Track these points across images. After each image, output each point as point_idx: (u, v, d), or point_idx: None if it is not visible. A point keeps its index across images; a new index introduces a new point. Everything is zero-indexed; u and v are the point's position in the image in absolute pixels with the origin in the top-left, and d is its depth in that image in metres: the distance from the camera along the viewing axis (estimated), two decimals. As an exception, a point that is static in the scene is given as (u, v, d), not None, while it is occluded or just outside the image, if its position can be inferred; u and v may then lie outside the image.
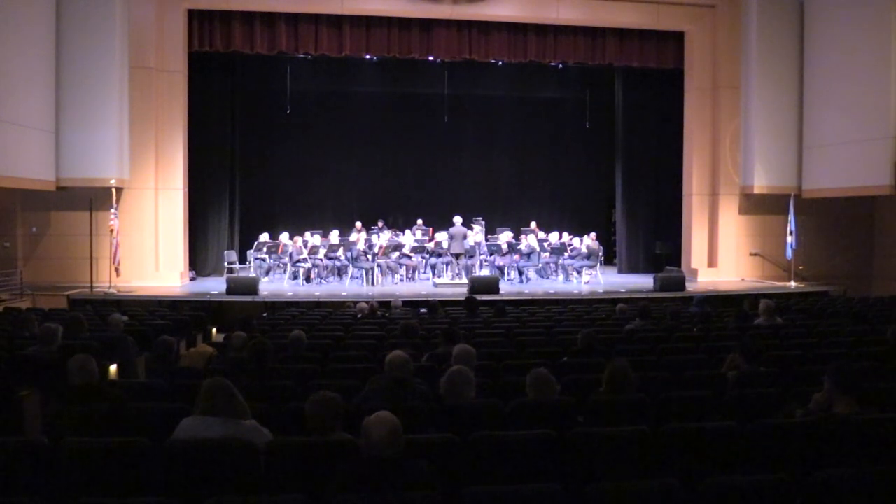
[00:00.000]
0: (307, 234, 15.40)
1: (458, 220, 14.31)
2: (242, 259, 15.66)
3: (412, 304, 10.89)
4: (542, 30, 15.24)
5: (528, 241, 14.97)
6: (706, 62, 15.55)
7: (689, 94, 15.84)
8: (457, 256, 14.21)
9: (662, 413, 4.18)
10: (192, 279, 14.65)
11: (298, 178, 18.04)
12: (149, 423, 3.88)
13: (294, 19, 14.44)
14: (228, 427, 3.44)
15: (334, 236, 14.89)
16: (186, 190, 14.36)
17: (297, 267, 14.54)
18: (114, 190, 13.03)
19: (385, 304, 10.41)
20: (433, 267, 15.05)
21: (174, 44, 13.97)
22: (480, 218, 16.62)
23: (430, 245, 15.09)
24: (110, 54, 13.31)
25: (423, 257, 15.01)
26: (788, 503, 2.88)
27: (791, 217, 14.58)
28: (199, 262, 15.44)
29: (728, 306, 11.04)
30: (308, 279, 14.37)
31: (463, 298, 10.37)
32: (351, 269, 14.21)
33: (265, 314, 10.65)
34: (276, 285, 14.13)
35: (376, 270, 14.11)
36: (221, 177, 15.83)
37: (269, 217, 17.24)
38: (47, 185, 13.01)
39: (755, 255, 15.62)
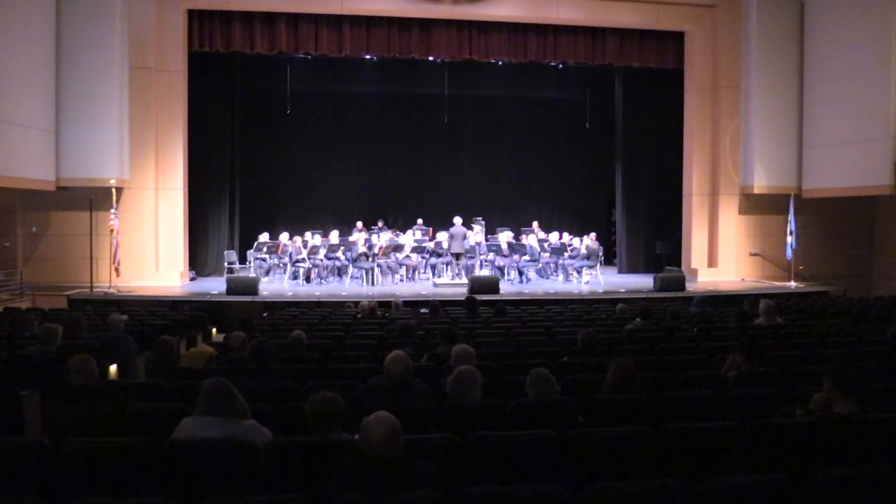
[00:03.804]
0: (307, 234, 15.41)
1: (458, 220, 14.30)
2: (242, 259, 15.66)
3: (412, 305, 10.88)
4: (542, 30, 15.24)
5: (529, 240, 14.99)
6: (706, 62, 15.55)
7: (689, 94, 15.84)
8: (457, 256, 14.21)
9: (662, 413, 4.17)
10: (192, 279, 14.65)
11: (298, 178, 18.05)
12: (149, 423, 3.88)
13: (294, 19, 14.44)
14: (228, 427, 3.45)
15: (334, 236, 14.89)
16: (186, 190, 14.36)
17: (297, 267, 14.54)
18: (114, 190, 13.03)
19: (385, 304, 10.40)
20: (433, 267, 15.05)
21: (174, 44, 13.97)
22: (480, 218, 16.62)
23: (430, 245, 15.10)
24: (110, 54, 13.31)
25: (423, 257, 15.02)
26: (788, 503, 2.88)
27: (791, 217, 14.58)
28: (199, 262, 15.43)
29: (728, 306, 11.02)
30: (308, 279, 14.37)
31: (463, 298, 10.37)
32: (351, 269, 14.21)
33: (265, 314, 10.65)
34: (276, 285, 14.13)
35: (376, 270, 14.11)
36: (221, 177, 15.83)
37: (269, 217, 17.24)
38: (47, 185, 13.00)
39: (755, 255, 15.62)
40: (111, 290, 12.53)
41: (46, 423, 4.08)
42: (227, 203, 16.03)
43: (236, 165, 16.61)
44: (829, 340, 6.83)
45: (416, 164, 18.55)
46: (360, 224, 15.99)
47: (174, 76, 14.03)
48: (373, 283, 13.99)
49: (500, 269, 14.78)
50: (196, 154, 14.78)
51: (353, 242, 14.38)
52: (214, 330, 10.46)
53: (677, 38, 15.79)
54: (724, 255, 15.51)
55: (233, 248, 15.83)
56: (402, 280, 14.61)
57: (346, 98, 18.21)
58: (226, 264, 14.95)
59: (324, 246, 14.50)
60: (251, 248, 15.06)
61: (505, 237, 15.30)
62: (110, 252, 12.78)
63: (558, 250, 15.04)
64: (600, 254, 14.97)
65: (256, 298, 11.98)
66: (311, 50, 14.71)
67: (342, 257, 14.47)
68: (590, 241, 14.97)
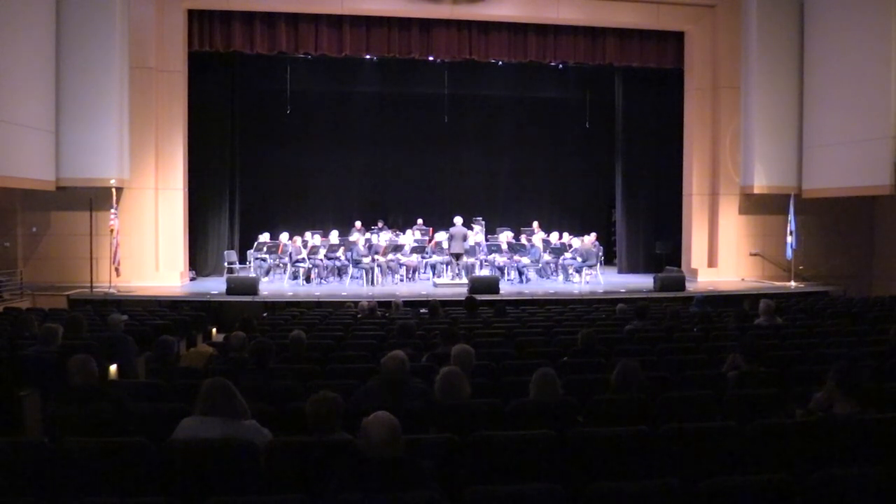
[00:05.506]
0: (307, 234, 15.41)
1: (458, 220, 14.31)
2: (242, 259, 15.65)
3: (412, 305, 10.88)
4: (542, 30, 15.24)
5: (534, 240, 15.03)
6: (706, 62, 15.55)
7: (689, 94, 15.84)
8: (457, 256, 14.21)
9: (662, 413, 4.18)
10: (192, 279, 14.65)
11: (298, 177, 18.05)
12: (149, 423, 3.88)
13: (294, 19, 14.44)
14: (228, 427, 3.45)
15: (334, 236, 14.89)
16: (186, 190, 14.35)
17: (297, 267, 14.54)
18: (114, 190, 13.03)
19: (385, 304, 10.40)
20: (433, 267, 15.05)
21: (174, 44, 13.97)
22: (480, 218, 16.63)
23: (430, 247, 15.10)
24: (110, 54, 13.31)
25: (423, 257, 15.02)
26: (788, 503, 2.88)
27: (791, 217, 14.58)
28: (199, 262, 15.43)
29: (728, 306, 11.02)
30: (308, 279, 14.36)
31: (463, 298, 10.37)
32: (351, 269, 14.21)
33: (265, 314, 10.65)
34: (276, 285, 14.13)
35: (376, 270, 14.11)
36: (221, 177, 15.82)
37: (269, 217, 17.24)
38: (47, 185, 13.00)
39: (755, 255, 15.62)
40: (111, 290, 12.52)
41: (46, 423, 4.08)
42: (227, 203, 16.02)
43: (236, 165, 16.60)
44: (829, 340, 6.83)
45: (415, 165, 18.54)
46: (358, 224, 15.98)
47: (174, 76, 14.02)
48: (373, 283, 13.99)
49: (501, 269, 14.78)
50: (196, 154, 14.77)
51: (354, 242, 14.38)
52: (214, 330, 10.46)
53: (677, 38, 15.79)
54: (724, 255, 15.51)
55: (233, 248, 15.83)
56: (402, 280, 14.61)
57: (346, 98, 18.20)
58: (226, 264, 14.94)
59: (324, 246, 14.50)
60: (251, 248, 15.05)
61: (505, 237, 15.31)
62: (110, 252, 12.77)
63: (558, 250, 15.05)
64: (599, 254, 14.97)
65: (256, 298, 11.98)
66: (311, 50, 14.71)
67: (342, 257, 14.47)
68: (580, 241, 14.93)
